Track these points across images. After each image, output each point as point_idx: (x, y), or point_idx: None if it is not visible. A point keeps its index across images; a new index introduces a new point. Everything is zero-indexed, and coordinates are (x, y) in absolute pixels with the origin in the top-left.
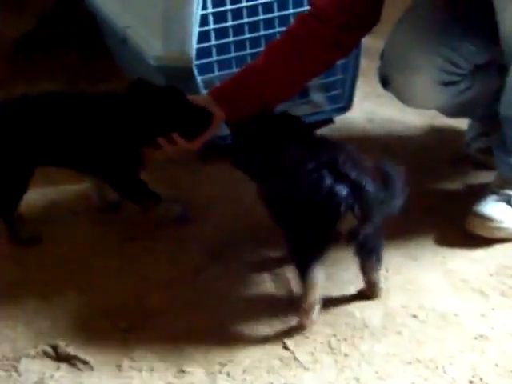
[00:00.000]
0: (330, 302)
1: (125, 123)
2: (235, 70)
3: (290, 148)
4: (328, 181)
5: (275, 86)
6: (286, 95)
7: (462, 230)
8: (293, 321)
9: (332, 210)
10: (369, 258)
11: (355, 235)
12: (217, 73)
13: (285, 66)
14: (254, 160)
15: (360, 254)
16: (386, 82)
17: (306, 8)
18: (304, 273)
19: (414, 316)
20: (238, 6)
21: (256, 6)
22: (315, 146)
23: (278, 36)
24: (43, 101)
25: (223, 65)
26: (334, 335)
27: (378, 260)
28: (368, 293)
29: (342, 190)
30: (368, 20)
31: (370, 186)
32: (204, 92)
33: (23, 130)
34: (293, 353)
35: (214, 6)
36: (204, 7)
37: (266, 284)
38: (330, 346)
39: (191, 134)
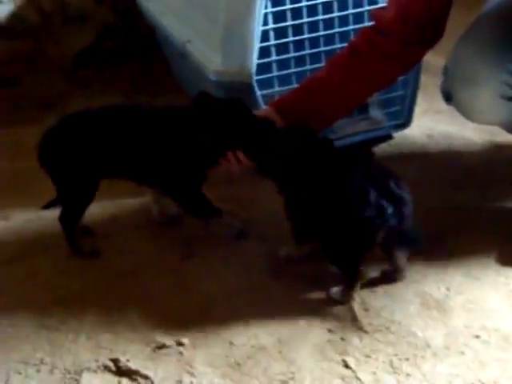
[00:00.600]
0: (391, 322)
1: (191, 137)
2: (295, 85)
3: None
4: (374, 198)
5: (337, 99)
6: (347, 109)
7: None
8: (353, 340)
9: (377, 226)
10: (401, 248)
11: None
12: (277, 88)
13: (347, 80)
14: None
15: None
16: (448, 97)
17: (367, 24)
18: (353, 275)
19: (477, 336)
20: (298, 21)
21: (317, 21)
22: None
23: (338, 51)
24: (109, 114)
25: (283, 80)
26: (396, 354)
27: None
28: (392, 276)
29: (388, 208)
30: (431, 34)
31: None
32: (264, 107)
33: (89, 143)
34: (354, 372)
35: (275, 22)
36: (265, 23)
37: (326, 302)
38: (391, 365)
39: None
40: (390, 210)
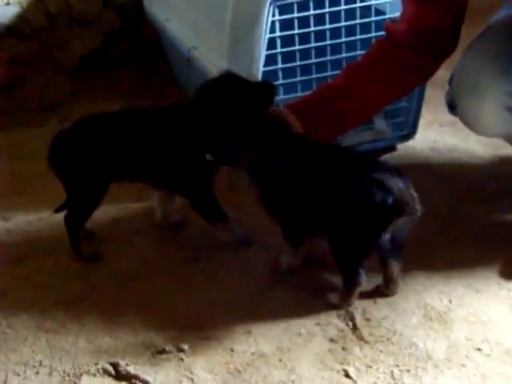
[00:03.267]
0: (392, 333)
1: (194, 129)
2: (301, 93)
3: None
4: (378, 193)
5: (355, 105)
6: (364, 116)
7: None
8: (354, 349)
9: (384, 217)
10: (395, 255)
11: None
12: (282, 96)
13: (365, 87)
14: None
15: (389, 252)
16: (453, 107)
17: (373, 34)
18: (353, 276)
19: (479, 349)
20: (305, 30)
21: (323, 31)
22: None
23: (344, 61)
24: (119, 117)
25: (289, 88)
26: (397, 365)
27: (401, 256)
28: (386, 290)
29: (389, 199)
30: (443, 47)
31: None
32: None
33: (102, 146)
34: (355, 381)
35: (281, 30)
36: (272, 31)
37: (327, 311)
38: (392, 376)
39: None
40: (389, 201)
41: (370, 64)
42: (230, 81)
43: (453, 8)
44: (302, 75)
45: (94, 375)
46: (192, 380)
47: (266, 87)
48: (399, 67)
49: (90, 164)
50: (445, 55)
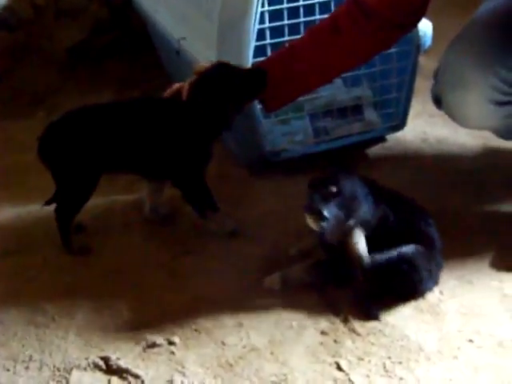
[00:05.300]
0: (384, 325)
1: (188, 119)
2: None
3: None
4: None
5: (313, 65)
6: (326, 79)
7: None
8: (346, 342)
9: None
10: None
11: None
12: None
13: (325, 54)
14: None
15: None
16: (438, 101)
17: None
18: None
19: (471, 341)
20: (295, 21)
21: (314, 21)
22: None
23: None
24: (110, 108)
25: None
26: (389, 357)
27: None
28: None
29: None
30: (413, 19)
31: None
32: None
33: (92, 137)
34: (347, 374)
35: (271, 21)
36: (261, 21)
37: (318, 304)
38: (384, 368)
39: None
40: None
41: (332, 33)
42: (222, 69)
43: None
44: None
45: (85, 369)
46: (183, 374)
47: (258, 74)
48: (364, 37)
49: (80, 156)
50: (411, 28)
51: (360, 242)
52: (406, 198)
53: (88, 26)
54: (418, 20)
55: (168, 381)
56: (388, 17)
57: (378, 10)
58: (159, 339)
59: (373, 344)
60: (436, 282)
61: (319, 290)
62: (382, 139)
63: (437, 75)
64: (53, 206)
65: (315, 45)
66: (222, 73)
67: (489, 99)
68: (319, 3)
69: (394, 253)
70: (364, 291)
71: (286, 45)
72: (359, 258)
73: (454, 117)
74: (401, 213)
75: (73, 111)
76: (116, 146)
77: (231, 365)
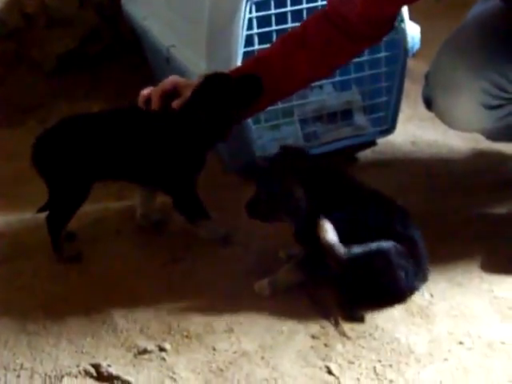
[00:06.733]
0: (374, 328)
1: (181, 128)
2: None
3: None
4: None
5: (283, 78)
6: (293, 87)
7: (508, 256)
8: (337, 346)
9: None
10: None
11: None
12: None
13: (293, 60)
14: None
15: None
16: (429, 103)
17: None
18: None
19: (461, 343)
20: (283, 26)
21: None
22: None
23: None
24: (103, 116)
25: None
26: (379, 361)
27: None
28: None
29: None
30: (385, 31)
31: None
32: None
33: (85, 145)
34: (337, 378)
35: (259, 27)
36: (249, 27)
37: (309, 308)
38: (375, 371)
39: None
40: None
41: (300, 42)
42: (214, 79)
43: None
44: None
45: (76, 377)
46: (174, 380)
47: (252, 80)
48: (330, 49)
49: (73, 164)
50: (381, 39)
51: (328, 232)
52: (385, 197)
53: (79, 35)
54: (389, 30)
55: None
56: (364, 31)
57: (355, 25)
58: (150, 345)
59: (363, 347)
60: (417, 284)
61: (309, 294)
62: (372, 143)
63: (428, 77)
64: (44, 214)
65: (281, 56)
66: (219, 83)
67: (479, 102)
68: (307, 9)
69: (371, 245)
70: (346, 289)
71: (256, 54)
72: (331, 247)
73: (444, 119)
74: (378, 212)
75: (67, 119)
76: (109, 154)
77: (222, 370)
